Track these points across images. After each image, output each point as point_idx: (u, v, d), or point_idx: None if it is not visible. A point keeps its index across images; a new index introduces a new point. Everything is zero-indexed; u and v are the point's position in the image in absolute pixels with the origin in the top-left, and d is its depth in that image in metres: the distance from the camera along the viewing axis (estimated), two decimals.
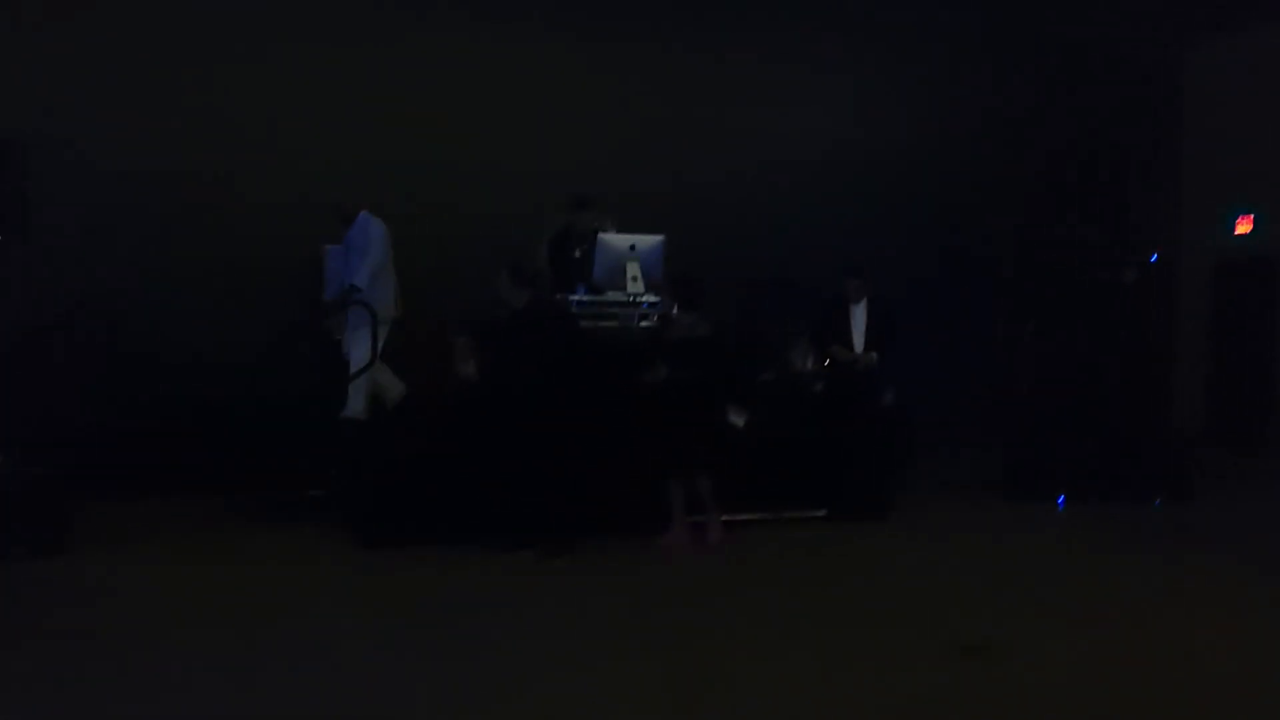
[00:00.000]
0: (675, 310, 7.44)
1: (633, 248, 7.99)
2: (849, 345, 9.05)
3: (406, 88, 9.62)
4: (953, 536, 7.91)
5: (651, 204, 9.14)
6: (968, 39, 11.34)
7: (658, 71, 10.60)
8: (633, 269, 7.90)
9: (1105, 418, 9.97)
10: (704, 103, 10.63)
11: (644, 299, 7.93)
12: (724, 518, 7.50)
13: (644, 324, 7.84)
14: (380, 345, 7.77)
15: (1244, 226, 12.38)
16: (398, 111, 9.52)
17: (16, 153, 6.91)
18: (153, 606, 5.89)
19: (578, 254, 8.28)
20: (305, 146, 9.16)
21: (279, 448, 7.75)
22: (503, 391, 7.20)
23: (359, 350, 7.78)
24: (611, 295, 7.95)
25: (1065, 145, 11.36)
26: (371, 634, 5.49)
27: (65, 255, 8.22)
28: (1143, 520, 8.53)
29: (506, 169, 9.67)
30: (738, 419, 8.10)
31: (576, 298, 7.93)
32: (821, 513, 8.22)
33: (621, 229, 8.22)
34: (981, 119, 11.41)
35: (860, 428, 8.61)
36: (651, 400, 7.24)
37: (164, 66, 8.95)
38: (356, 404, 7.81)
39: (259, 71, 9.24)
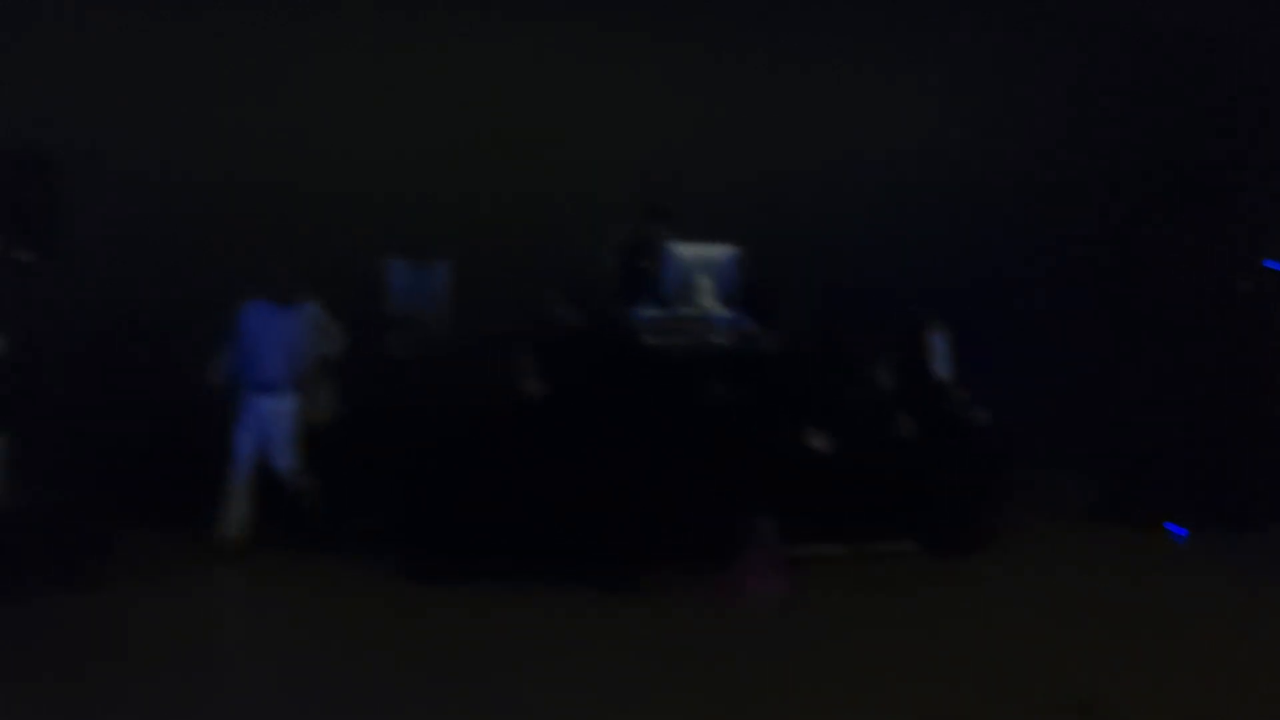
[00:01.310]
0: (747, 326, 6.86)
1: (704, 260, 7.52)
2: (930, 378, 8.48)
3: (465, 95, 9.26)
4: (1057, 571, 7.33)
5: (723, 209, 8.65)
6: (1067, 29, 10.61)
7: (729, 69, 10.02)
8: (705, 282, 7.44)
9: (1219, 437, 9.21)
10: (782, 100, 10.06)
11: (717, 314, 7.46)
12: (803, 551, 6.96)
13: (717, 340, 7.32)
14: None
15: None
16: (457, 120, 9.14)
17: (47, 166, 6.69)
18: (193, 642, 5.68)
19: (647, 266, 7.80)
20: (362, 156, 8.82)
21: (326, 474, 7.36)
22: (562, 413, 6.73)
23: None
24: (682, 310, 7.47)
25: (1172, 144, 10.58)
26: (411, 684, 5.12)
27: (101, 272, 7.91)
28: (1263, 549, 7.90)
29: (570, 173, 9.21)
30: (818, 443, 7.60)
31: (643, 312, 7.45)
32: (911, 545, 7.65)
33: (692, 238, 7.75)
34: (1081, 116, 10.67)
35: (952, 451, 7.99)
36: (713, 425, 6.68)
37: (209, 73, 8.67)
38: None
39: (311, 77, 8.91)
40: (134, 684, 5.04)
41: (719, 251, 7.63)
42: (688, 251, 7.60)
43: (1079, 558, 7.70)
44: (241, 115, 8.62)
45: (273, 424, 7.29)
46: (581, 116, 9.52)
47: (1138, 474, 8.78)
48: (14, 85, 7.89)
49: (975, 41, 10.63)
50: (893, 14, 10.43)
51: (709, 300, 7.48)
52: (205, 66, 8.67)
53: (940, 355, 8.57)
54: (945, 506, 7.72)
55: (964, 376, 8.67)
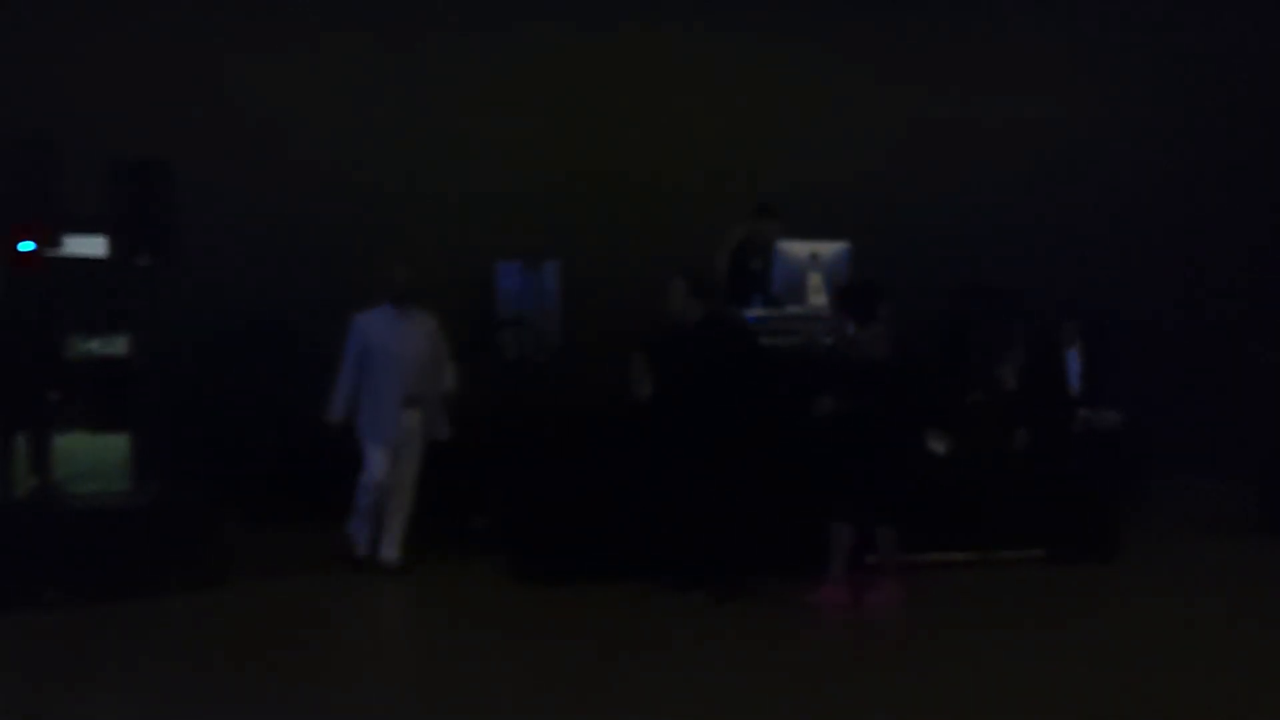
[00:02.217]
0: (851, 328, 6.52)
1: (814, 256, 7.31)
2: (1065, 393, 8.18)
3: (572, 93, 9.20)
4: (1193, 585, 6.83)
5: (841, 205, 8.50)
6: (1216, 16, 9.96)
7: (846, 55, 9.76)
8: (815, 279, 7.24)
9: None
10: (905, 90, 9.73)
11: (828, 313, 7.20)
12: (927, 558, 6.68)
13: (828, 340, 7.08)
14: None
15: None
16: (568, 119, 9.13)
17: (165, 174, 6.85)
18: (314, 641, 5.76)
19: (757, 265, 7.61)
20: (478, 156, 8.86)
21: (440, 474, 7.38)
22: (676, 414, 6.57)
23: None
24: (792, 309, 7.27)
25: None
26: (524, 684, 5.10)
27: (221, 277, 8.12)
28: None
29: (680, 172, 9.16)
30: (939, 446, 7.28)
31: (753, 312, 7.26)
32: (1039, 553, 7.27)
33: (805, 236, 7.52)
34: (1227, 108, 10.01)
35: (1083, 455, 7.59)
36: (822, 432, 6.38)
37: (328, 72, 8.78)
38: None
39: (425, 76, 8.96)
40: (272, 680, 5.14)
41: (830, 248, 7.38)
42: (798, 249, 7.38)
43: (1220, 566, 7.21)
44: (352, 117, 8.77)
45: (401, 440, 6.86)
46: (698, 114, 9.39)
47: None
48: (125, 91, 8.08)
49: (1112, 18, 10.09)
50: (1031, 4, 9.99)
51: (820, 298, 7.24)
52: (323, 70, 8.82)
53: (1074, 366, 8.21)
54: (1074, 514, 7.32)
55: (1116, 382, 8.28)
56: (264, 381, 8.18)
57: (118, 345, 7.69)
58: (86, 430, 7.44)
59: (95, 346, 7.69)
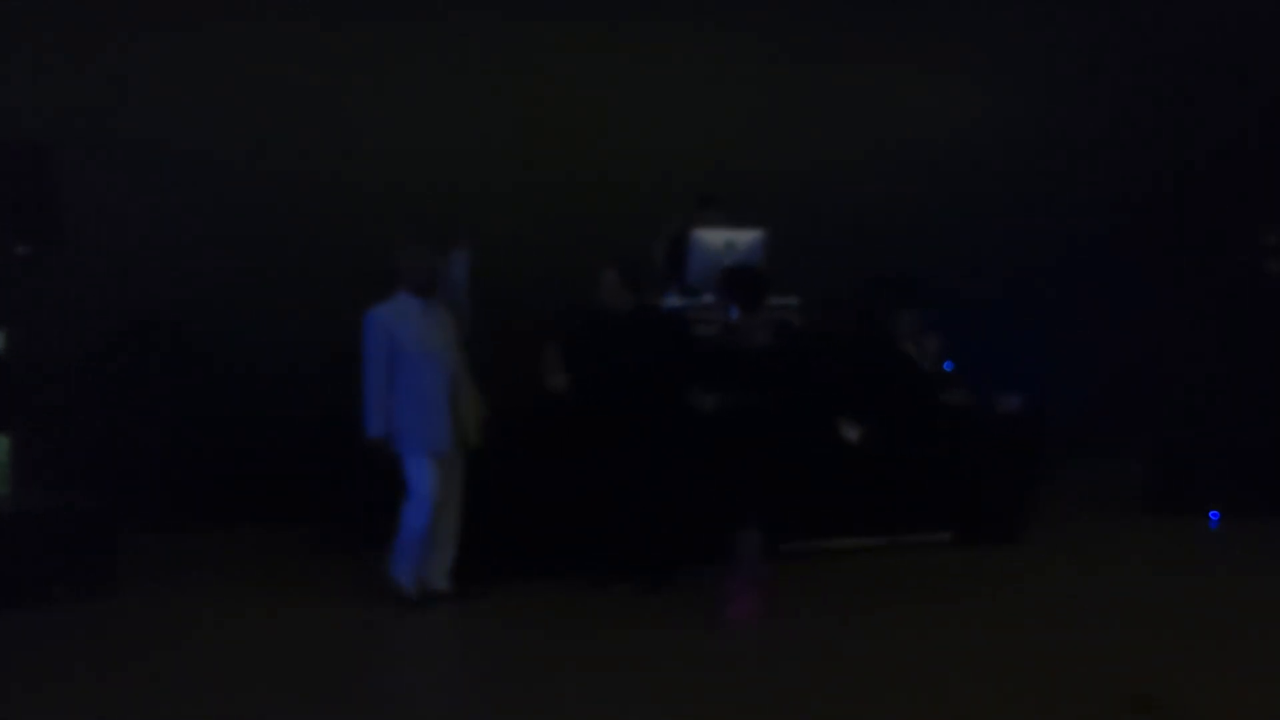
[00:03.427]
0: (735, 313, 6.33)
1: (729, 244, 7.29)
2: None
3: (481, 80, 9.00)
4: (1095, 561, 7.11)
5: (764, 195, 8.48)
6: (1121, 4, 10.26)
7: (767, 46, 9.75)
8: None
9: (1261, 420, 8.95)
10: (820, 80, 9.80)
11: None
12: (839, 545, 6.83)
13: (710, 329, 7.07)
14: None
15: None
16: (476, 106, 8.93)
17: (46, 157, 6.44)
18: (211, 651, 5.42)
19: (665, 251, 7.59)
20: (381, 143, 8.63)
21: (350, 471, 7.12)
22: (594, 405, 6.42)
23: None
24: (708, 297, 7.27)
25: (1214, 119, 10.24)
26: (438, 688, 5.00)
27: (110, 267, 7.72)
28: None
29: (591, 160, 9.01)
30: (851, 434, 7.37)
31: (669, 301, 7.22)
32: (947, 536, 7.48)
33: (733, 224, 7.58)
34: (1119, 94, 10.33)
35: (986, 439, 7.75)
36: (708, 427, 6.14)
37: (223, 54, 8.35)
38: None
39: (333, 54, 8.61)
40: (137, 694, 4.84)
41: (745, 236, 7.38)
42: (713, 237, 7.36)
43: (1118, 545, 7.51)
44: (250, 103, 8.39)
45: (448, 451, 6.05)
46: (629, 106, 9.31)
47: (1186, 463, 8.51)
48: (4, 73, 7.64)
49: (1025, 9, 10.30)
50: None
51: None
52: (222, 53, 8.39)
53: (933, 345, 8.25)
54: (979, 498, 7.51)
55: (1010, 366, 8.46)
56: (157, 379, 7.79)
57: None
58: None
59: None
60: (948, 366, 7.94)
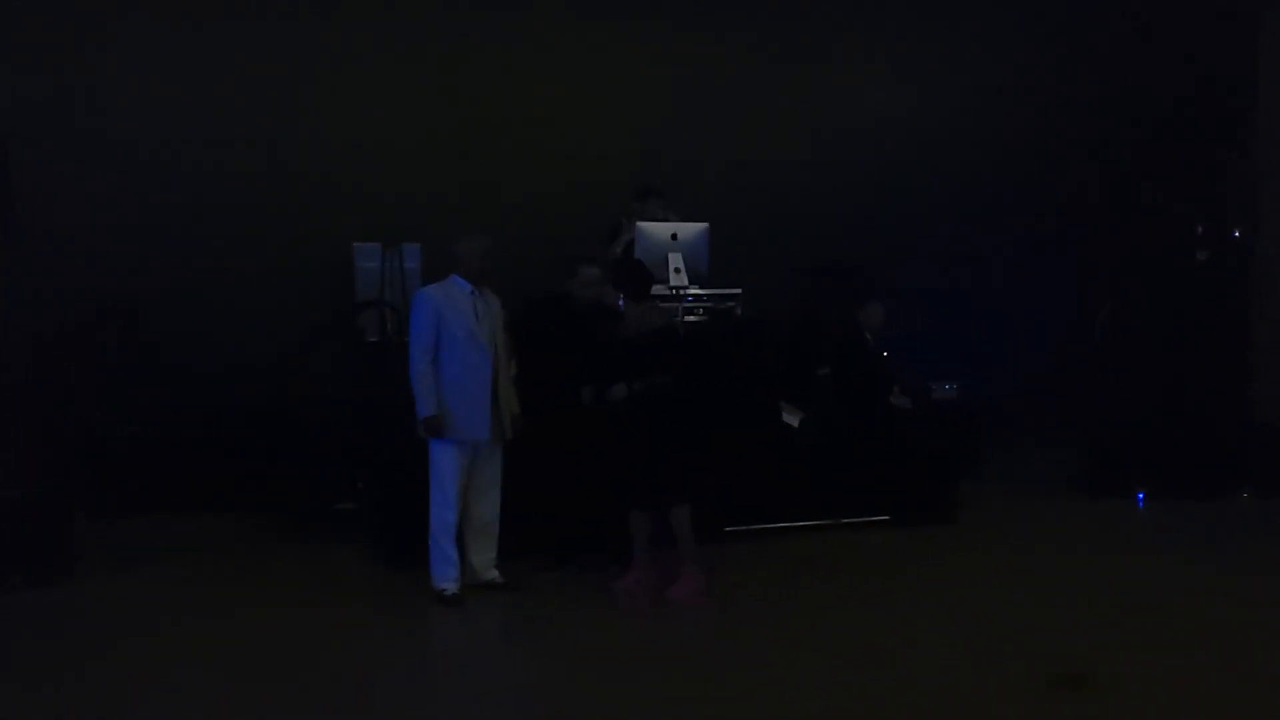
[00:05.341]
0: (622, 303, 6.25)
1: (674, 236, 7.45)
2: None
3: (429, 74, 9.07)
4: (1027, 541, 7.38)
5: (706, 188, 8.70)
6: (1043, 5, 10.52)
7: (703, 44, 9.87)
8: (675, 260, 7.39)
9: (1187, 407, 9.28)
10: (754, 76, 9.94)
11: (688, 292, 7.42)
12: (780, 526, 6.91)
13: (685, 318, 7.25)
14: None
15: None
16: (426, 100, 9.01)
17: (0, 148, 6.46)
18: (167, 639, 5.46)
19: (623, 247, 7.69)
20: (334, 136, 8.69)
21: (303, 459, 7.23)
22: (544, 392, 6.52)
23: None
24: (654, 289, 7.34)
25: (1145, 114, 10.50)
26: (397, 674, 5.04)
27: (66, 257, 7.73)
28: (1230, 515, 8.00)
29: (539, 153, 9.15)
30: (791, 419, 7.60)
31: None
32: (884, 518, 7.70)
33: (677, 216, 7.71)
34: (1055, 88, 10.58)
35: (921, 425, 8.01)
36: (609, 415, 6.05)
37: (179, 47, 8.42)
38: None
39: (284, 57, 8.69)
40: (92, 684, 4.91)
41: (690, 228, 7.53)
42: (658, 229, 7.50)
43: (1048, 526, 7.76)
44: (204, 98, 8.45)
45: (485, 448, 5.90)
46: (559, 97, 9.35)
47: (1116, 449, 8.80)
48: None
49: (944, 6, 10.54)
50: None
51: (680, 278, 7.39)
52: (174, 48, 8.45)
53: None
54: (915, 481, 7.71)
55: (947, 355, 8.68)
56: (113, 368, 7.82)
57: None
58: None
59: None
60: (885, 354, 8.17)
